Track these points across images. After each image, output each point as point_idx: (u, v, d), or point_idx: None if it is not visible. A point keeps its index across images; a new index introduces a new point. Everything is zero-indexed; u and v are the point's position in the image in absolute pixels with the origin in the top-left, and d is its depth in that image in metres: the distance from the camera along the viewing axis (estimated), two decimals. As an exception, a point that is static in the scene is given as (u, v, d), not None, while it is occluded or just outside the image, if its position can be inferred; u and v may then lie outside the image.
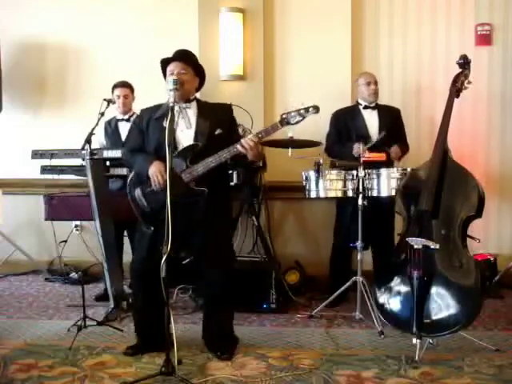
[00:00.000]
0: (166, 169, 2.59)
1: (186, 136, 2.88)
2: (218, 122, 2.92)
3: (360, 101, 4.08)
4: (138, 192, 2.97)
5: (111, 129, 4.13)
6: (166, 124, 2.69)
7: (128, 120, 4.11)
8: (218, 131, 2.90)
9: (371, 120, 4.01)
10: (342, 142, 4.02)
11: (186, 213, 2.80)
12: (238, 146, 2.77)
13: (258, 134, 2.80)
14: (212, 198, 2.86)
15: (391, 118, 4.05)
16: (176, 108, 2.79)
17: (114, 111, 4.10)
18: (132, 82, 4.18)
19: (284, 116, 2.78)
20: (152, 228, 2.90)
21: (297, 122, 2.78)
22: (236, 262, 3.69)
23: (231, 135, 2.92)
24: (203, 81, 3.08)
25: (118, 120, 4.13)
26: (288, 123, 2.79)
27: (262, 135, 2.80)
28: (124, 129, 4.07)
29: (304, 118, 2.77)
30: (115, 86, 4.11)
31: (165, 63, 2.96)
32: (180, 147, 2.87)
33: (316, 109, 2.76)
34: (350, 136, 3.98)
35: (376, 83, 4.04)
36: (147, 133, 2.97)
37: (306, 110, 2.76)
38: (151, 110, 3.00)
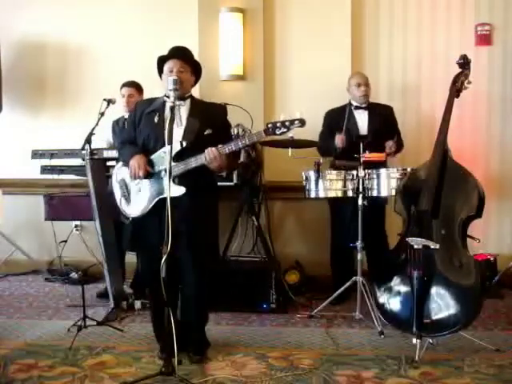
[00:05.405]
0: (147, 163, 2.86)
1: (175, 134, 2.79)
2: (209, 121, 2.89)
3: (352, 101, 4.08)
4: (120, 183, 3.03)
5: (119, 128, 4.09)
6: (156, 119, 2.87)
7: None
8: (207, 131, 2.87)
9: (361, 120, 4.02)
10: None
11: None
12: (202, 156, 2.75)
13: (224, 148, 2.74)
14: (193, 197, 2.82)
15: (382, 117, 4.04)
16: (170, 105, 2.77)
17: (123, 110, 4.08)
18: (132, 82, 4.18)
19: (269, 126, 2.73)
20: (130, 219, 2.95)
21: (281, 134, 2.73)
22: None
23: (220, 137, 2.84)
24: (199, 77, 3.06)
25: (126, 119, 4.02)
26: (273, 133, 2.74)
27: (231, 147, 2.74)
28: None
29: (289, 129, 2.71)
30: (122, 85, 4.11)
31: (162, 61, 2.94)
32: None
33: (301, 122, 2.70)
34: None
35: (367, 85, 4.03)
36: (138, 126, 2.97)
37: (291, 122, 2.70)
38: (146, 103, 3.01)
